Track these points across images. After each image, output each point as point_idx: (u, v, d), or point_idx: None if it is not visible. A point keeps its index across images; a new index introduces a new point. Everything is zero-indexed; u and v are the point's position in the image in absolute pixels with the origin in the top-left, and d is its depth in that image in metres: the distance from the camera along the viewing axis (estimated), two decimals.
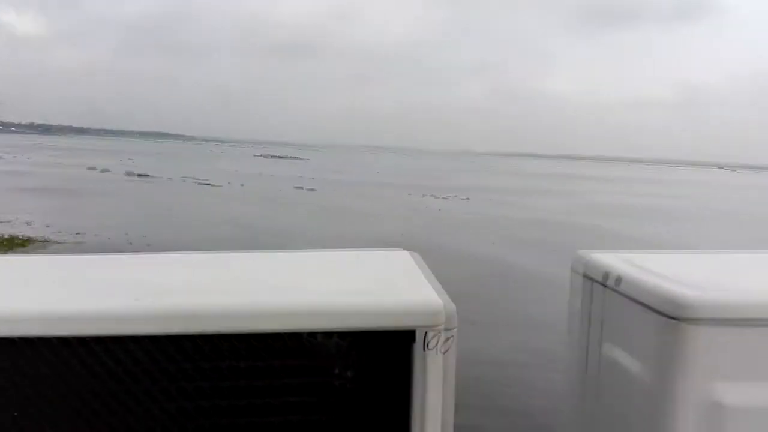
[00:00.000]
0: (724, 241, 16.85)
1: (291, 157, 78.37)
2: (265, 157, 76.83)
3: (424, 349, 1.11)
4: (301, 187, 29.01)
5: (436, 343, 1.11)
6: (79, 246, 12.47)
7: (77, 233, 13.92)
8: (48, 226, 14.60)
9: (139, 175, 32.70)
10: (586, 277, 1.60)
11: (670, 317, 1.24)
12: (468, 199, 27.45)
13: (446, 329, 1.12)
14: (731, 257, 1.75)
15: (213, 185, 28.77)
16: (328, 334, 1.11)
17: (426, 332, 1.11)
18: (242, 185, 29.94)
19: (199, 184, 29.32)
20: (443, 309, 1.12)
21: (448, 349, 1.12)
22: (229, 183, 30.11)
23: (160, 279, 1.31)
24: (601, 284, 1.52)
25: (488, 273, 11.12)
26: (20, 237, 13.06)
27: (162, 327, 1.07)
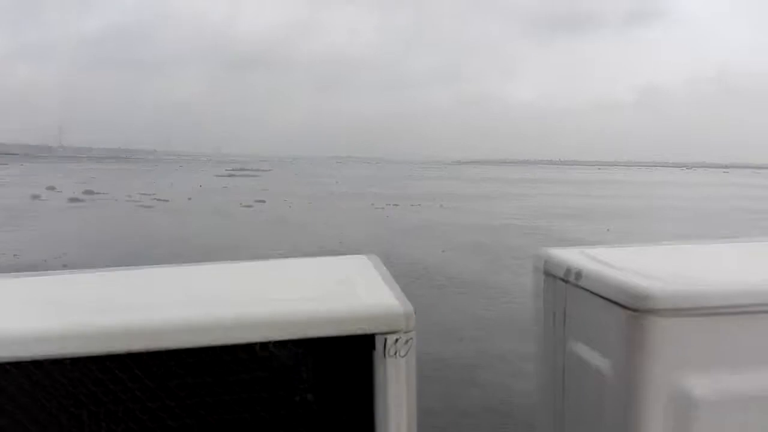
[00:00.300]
0: (673, 236, 17.12)
1: (251, 171, 77.67)
2: (228, 173, 75.97)
3: (384, 355, 1.08)
4: (259, 201, 28.63)
5: (396, 348, 1.08)
6: None
7: None
8: None
9: (83, 193, 31.77)
10: (548, 273, 1.58)
11: (633, 310, 1.22)
12: (419, 205, 27.44)
13: (405, 332, 1.09)
14: (692, 248, 1.72)
15: (160, 200, 28.17)
16: (282, 344, 1.07)
17: (385, 337, 1.08)
18: (190, 199, 29.49)
19: (144, 204, 28.57)
20: (402, 312, 1.09)
21: (407, 352, 1.09)
22: (189, 199, 29.45)
23: (105, 295, 1.26)
24: (562, 280, 1.50)
25: (414, 276, 10.98)
26: None
27: (106, 346, 1.01)
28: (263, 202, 28.34)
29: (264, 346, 1.06)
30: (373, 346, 1.09)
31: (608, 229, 18.59)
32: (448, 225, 19.45)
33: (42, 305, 1.19)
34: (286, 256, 1.71)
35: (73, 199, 27.93)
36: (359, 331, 1.08)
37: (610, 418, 1.33)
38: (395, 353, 1.08)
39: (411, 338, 1.10)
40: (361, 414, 1.11)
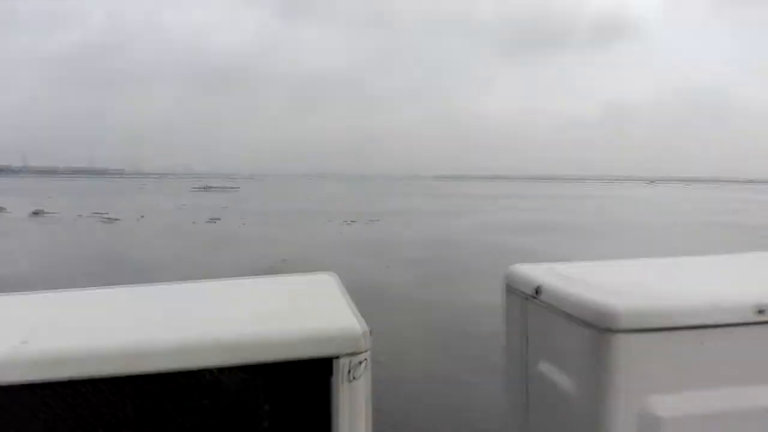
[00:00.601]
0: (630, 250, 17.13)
1: (223, 188, 76.79)
2: (197, 189, 75.03)
3: (341, 381, 1.05)
4: (215, 219, 28.07)
5: (350, 370, 1.05)
6: None
7: None
8: None
9: (35, 213, 30.82)
10: (510, 290, 1.57)
11: (597, 328, 1.20)
12: (378, 221, 27.24)
13: (355, 354, 1.05)
14: (655, 264, 1.71)
15: (112, 219, 27.47)
16: (232, 370, 1.02)
17: (340, 360, 1.04)
18: (142, 217, 28.79)
19: (101, 221, 27.83)
20: (358, 334, 1.06)
21: (361, 374, 1.06)
22: (141, 217, 28.76)
23: (51, 319, 1.19)
24: (529, 298, 1.48)
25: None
26: None
27: (51, 372, 0.96)
28: (219, 220, 27.87)
29: (212, 372, 1.01)
30: (328, 371, 1.04)
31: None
32: (401, 240, 19.30)
33: None
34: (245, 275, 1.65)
35: None
36: (313, 354, 1.04)
37: None
38: (350, 376, 1.05)
39: (365, 359, 1.06)
40: None
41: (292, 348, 1.04)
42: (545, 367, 1.42)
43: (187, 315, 1.23)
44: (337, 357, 1.05)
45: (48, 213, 30.76)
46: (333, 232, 22.39)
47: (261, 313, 1.21)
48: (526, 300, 1.49)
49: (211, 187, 79.41)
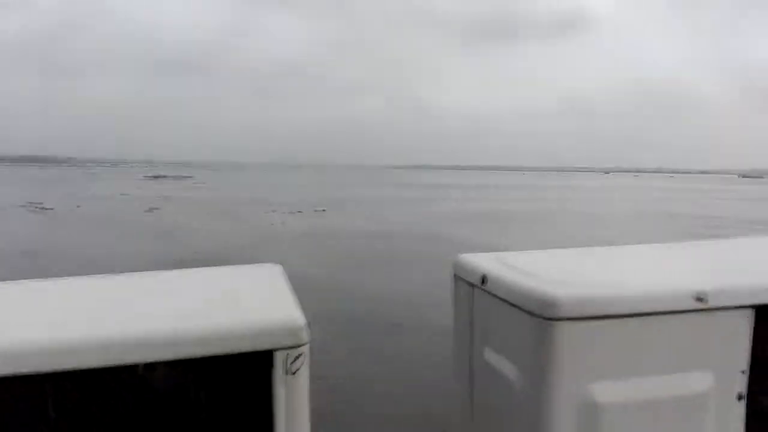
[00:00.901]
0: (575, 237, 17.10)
1: (176, 176, 75.05)
2: (148, 177, 73.09)
3: (280, 374, 1.01)
4: (154, 208, 27.10)
5: (285, 364, 1.02)
6: None
7: None
8: None
9: None
10: (462, 280, 1.56)
11: (540, 316, 1.21)
12: (324, 210, 26.75)
13: (294, 347, 1.01)
14: (599, 253, 1.71)
15: (45, 209, 26.19)
16: (164, 365, 0.98)
17: (273, 353, 1.01)
18: (78, 206, 27.53)
19: (32, 211, 26.55)
20: (292, 327, 1.02)
21: (298, 369, 1.02)
22: (77, 207, 27.54)
23: None
24: (475, 287, 1.48)
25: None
26: None
27: None
28: (158, 209, 26.88)
29: (145, 367, 0.96)
30: (267, 364, 1.00)
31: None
32: (342, 230, 18.90)
33: None
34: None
35: None
36: (250, 348, 0.99)
37: (519, 425, 1.30)
38: (289, 370, 1.01)
39: (302, 353, 1.01)
40: None
41: (228, 342, 0.99)
42: (490, 356, 1.42)
43: (115, 309, 1.16)
44: (275, 350, 1.00)
45: None
46: (275, 222, 21.83)
47: (195, 305, 1.16)
48: (473, 288, 1.49)
49: (163, 176, 77.60)
